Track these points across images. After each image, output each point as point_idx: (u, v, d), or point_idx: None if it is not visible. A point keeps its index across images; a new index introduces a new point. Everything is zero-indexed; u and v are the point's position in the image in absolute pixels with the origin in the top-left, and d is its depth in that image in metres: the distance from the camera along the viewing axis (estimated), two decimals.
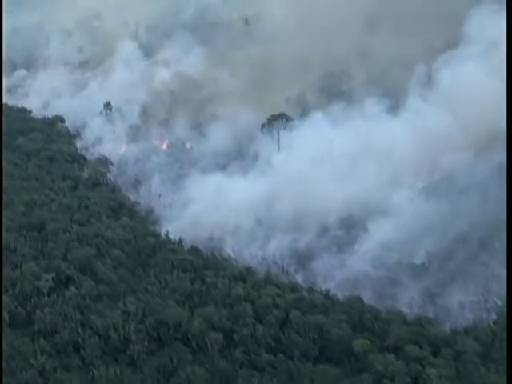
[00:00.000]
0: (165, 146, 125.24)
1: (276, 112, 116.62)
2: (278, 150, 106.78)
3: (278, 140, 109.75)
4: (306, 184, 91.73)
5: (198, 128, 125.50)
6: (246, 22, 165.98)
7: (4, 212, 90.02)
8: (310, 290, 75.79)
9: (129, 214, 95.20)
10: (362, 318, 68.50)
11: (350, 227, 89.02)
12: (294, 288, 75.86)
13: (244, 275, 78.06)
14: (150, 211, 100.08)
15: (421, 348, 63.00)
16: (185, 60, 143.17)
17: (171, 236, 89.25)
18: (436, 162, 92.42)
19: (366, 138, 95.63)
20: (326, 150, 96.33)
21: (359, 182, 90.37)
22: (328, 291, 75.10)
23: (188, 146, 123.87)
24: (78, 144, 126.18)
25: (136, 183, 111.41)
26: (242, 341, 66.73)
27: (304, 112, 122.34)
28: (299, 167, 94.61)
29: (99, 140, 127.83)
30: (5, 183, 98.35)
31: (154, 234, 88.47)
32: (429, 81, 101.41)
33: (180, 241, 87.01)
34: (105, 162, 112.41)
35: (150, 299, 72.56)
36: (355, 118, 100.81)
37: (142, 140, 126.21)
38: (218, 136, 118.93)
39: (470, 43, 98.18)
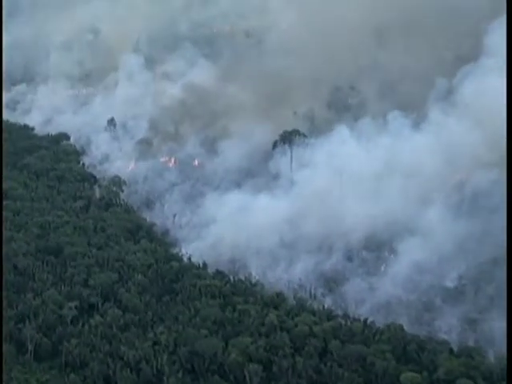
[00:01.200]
0: (173, 163, 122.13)
1: (287, 127, 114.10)
2: (291, 168, 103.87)
3: (291, 158, 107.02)
4: (329, 202, 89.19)
5: (208, 144, 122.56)
6: (248, 34, 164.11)
7: (18, 235, 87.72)
8: (346, 317, 72.53)
9: (147, 236, 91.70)
10: (405, 348, 65.19)
11: (378, 248, 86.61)
12: (329, 315, 72.37)
13: (275, 301, 74.82)
14: (167, 232, 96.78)
15: (475, 382, 59.49)
16: (189, 73, 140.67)
17: (193, 259, 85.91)
18: (464, 179, 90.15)
19: (389, 154, 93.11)
20: (348, 167, 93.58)
21: (384, 199, 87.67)
22: (366, 319, 71.56)
23: (197, 163, 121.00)
24: (85, 162, 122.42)
25: (148, 202, 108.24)
26: (281, 373, 63.47)
27: (315, 127, 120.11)
28: (321, 185, 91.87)
29: (106, 157, 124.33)
30: (16, 204, 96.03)
31: (176, 258, 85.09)
32: (448, 94, 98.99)
33: (204, 265, 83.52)
34: (118, 181, 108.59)
35: (181, 328, 69.34)
36: (376, 133, 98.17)
37: (150, 157, 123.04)
38: (230, 152, 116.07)
39: (491, 56, 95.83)
